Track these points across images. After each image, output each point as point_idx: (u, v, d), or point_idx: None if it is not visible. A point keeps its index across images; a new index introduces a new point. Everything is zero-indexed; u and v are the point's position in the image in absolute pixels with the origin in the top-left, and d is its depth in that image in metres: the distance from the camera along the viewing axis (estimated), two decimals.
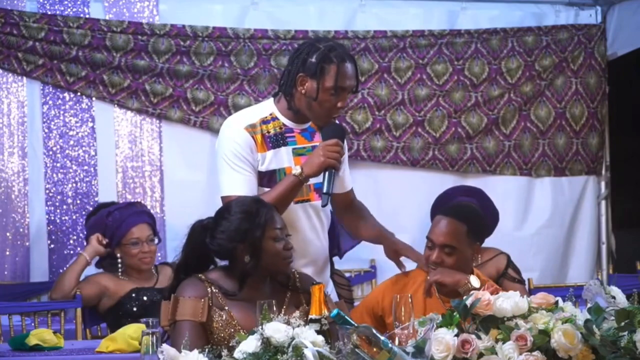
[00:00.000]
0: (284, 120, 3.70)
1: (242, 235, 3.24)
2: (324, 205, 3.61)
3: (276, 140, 3.67)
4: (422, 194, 5.83)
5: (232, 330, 3.15)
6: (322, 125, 3.69)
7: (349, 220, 3.98)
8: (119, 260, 4.90)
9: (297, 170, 3.56)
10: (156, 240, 5.00)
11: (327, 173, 3.54)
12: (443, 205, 4.82)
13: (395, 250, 3.90)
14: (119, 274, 4.89)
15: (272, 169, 3.65)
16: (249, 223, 3.24)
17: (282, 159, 3.67)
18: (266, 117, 3.70)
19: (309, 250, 3.71)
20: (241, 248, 3.25)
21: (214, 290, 3.24)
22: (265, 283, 3.29)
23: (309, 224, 3.71)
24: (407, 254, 3.89)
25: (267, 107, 3.75)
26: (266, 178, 3.65)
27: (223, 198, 3.61)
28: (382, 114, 6.02)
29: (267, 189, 3.62)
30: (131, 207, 5.05)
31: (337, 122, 3.77)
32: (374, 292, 4.03)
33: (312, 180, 3.64)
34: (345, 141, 3.71)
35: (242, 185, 3.59)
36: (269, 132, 3.67)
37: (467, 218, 3.82)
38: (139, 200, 5.58)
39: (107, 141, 5.70)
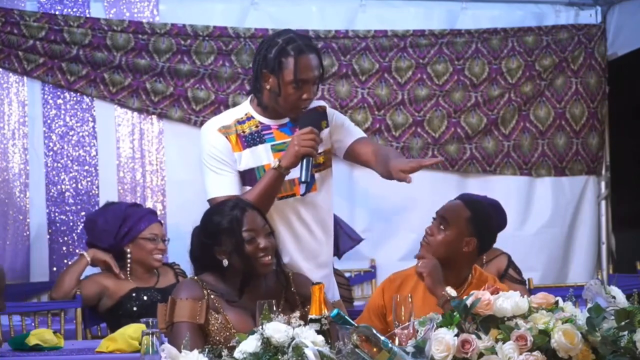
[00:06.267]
0: (260, 118, 3.70)
1: (213, 240, 3.28)
2: (303, 194, 3.60)
3: (252, 139, 3.66)
4: (423, 193, 5.83)
5: (228, 333, 3.16)
6: (294, 117, 3.67)
7: (381, 167, 3.62)
8: (129, 256, 4.87)
9: (275, 163, 3.55)
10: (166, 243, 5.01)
11: (304, 161, 3.53)
12: None
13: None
14: (128, 271, 4.87)
15: (250, 167, 3.65)
16: (215, 228, 3.28)
17: (260, 156, 3.65)
18: (241, 118, 3.70)
19: (302, 246, 3.69)
20: (218, 251, 3.28)
21: (210, 293, 3.25)
22: (261, 287, 3.29)
23: (297, 219, 3.69)
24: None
25: (243, 108, 3.75)
26: (246, 177, 3.65)
27: (209, 201, 3.62)
28: (382, 113, 6.01)
29: (248, 188, 3.62)
30: (144, 207, 5.09)
31: (314, 107, 3.69)
32: (374, 293, 4.02)
33: (296, 175, 3.60)
34: (327, 113, 3.69)
35: (225, 186, 3.60)
36: (244, 131, 3.66)
37: (475, 208, 3.80)
38: (139, 199, 5.59)
39: (108, 141, 5.70)
